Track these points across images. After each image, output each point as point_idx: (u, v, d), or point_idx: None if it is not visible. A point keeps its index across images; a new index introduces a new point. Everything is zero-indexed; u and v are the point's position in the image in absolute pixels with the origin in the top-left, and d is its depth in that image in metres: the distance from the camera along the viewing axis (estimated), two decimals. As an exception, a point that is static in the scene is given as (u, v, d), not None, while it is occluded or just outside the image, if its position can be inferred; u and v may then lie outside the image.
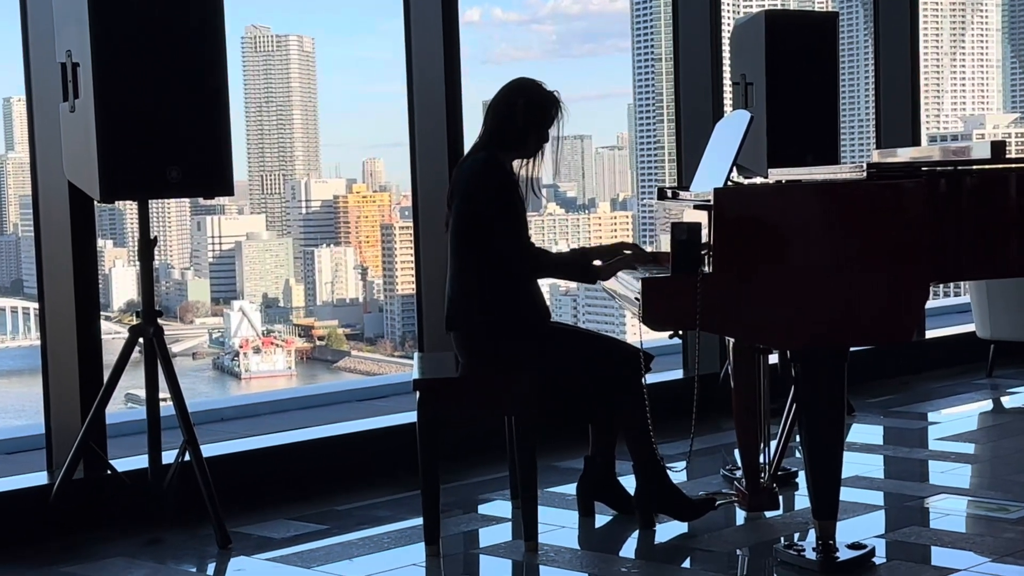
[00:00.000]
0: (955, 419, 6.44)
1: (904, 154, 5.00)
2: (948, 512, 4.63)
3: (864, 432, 6.06)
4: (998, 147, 3.91)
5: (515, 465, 4.48)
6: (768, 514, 4.58)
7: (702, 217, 3.91)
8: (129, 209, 35.69)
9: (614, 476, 4.63)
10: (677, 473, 4.56)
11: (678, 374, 6.51)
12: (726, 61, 6.53)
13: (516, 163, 4.48)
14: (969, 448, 5.75)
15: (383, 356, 47.14)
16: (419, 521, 4.34)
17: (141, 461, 4.66)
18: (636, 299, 3.89)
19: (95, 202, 4.57)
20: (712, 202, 3.84)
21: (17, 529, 4.45)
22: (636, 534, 4.44)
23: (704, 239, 3.86)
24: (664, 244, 4.45)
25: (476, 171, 4.37)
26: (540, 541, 4.27)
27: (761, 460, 4.58)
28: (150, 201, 4.53)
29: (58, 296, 4.75)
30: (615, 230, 47.48)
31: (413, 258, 5.82)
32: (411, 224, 5.93)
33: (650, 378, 4.42)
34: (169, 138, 4.33)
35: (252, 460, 5.09)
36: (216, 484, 4.44)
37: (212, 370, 47.61)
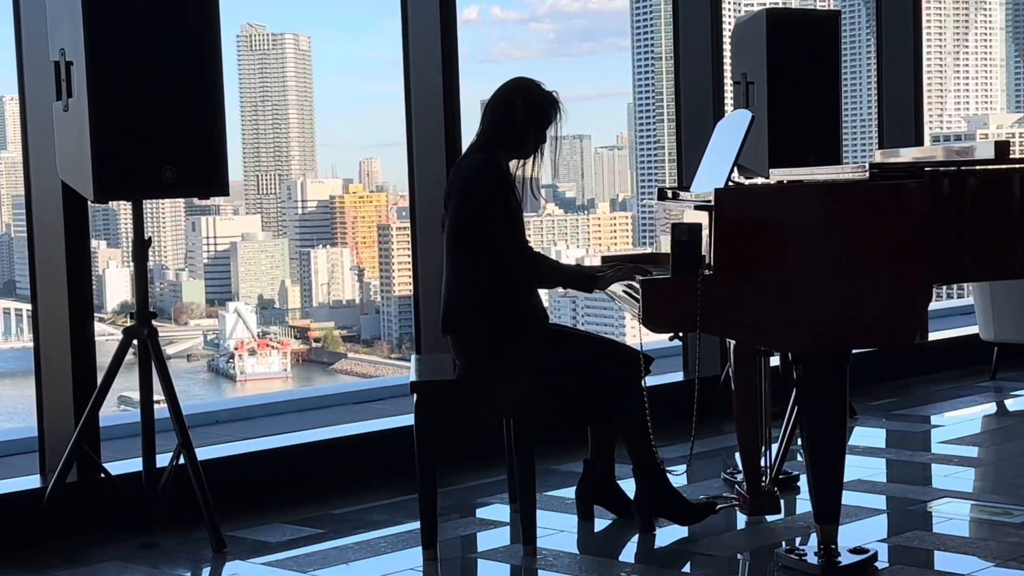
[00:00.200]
0: (958, 422, 6.42)
1: (907, 154, 4.99)
2: (951, 516, 4.60)
3: (866, 435, 6.03)
4: (1002, 147, 3.89)
5: (513, 468, 4.46)
6: (769, 518, 4.56)
7: (703, 218, 3.88)
8: (123, 209, 35.89)
9: (614, 479, 4.60)
10: (677, 476, 4.54)
11: (678, 376, 6.49)
12: (727, 60, 6.50)
13: (514, 163, 4.45)
14: (972, 451, 5.72)
15: (380, 358, 47.14)
16: (416, 525, 4.31)
17: (135, 464, 4.63)
18: (636, 297, 3.86)
19: (89, 202, 4.55)
20: (713, 203, 3.82)
21: (10, 533, 4.42)
22: (636, 538, 4.42)
23: (704, 240, 3.83)
24: (664, 245, 4.42)
25: (475, 171, 4.34)
26: (539, 545, 4.25)
27: (762, 463, 4.56)
28: (144, 201, 4.50)
29: (51, 297, 4.72)
30: (615, 231, 47.52)
31: (410, 259, 5.81)
32: (408, 225, 5.90)
33: (650, 380, 4.40)
34: (164, 137, 4.31)
35: (247, 463, 5.07)
36: (211, 487, 4.42)
37: (207, 372, 47.57)
